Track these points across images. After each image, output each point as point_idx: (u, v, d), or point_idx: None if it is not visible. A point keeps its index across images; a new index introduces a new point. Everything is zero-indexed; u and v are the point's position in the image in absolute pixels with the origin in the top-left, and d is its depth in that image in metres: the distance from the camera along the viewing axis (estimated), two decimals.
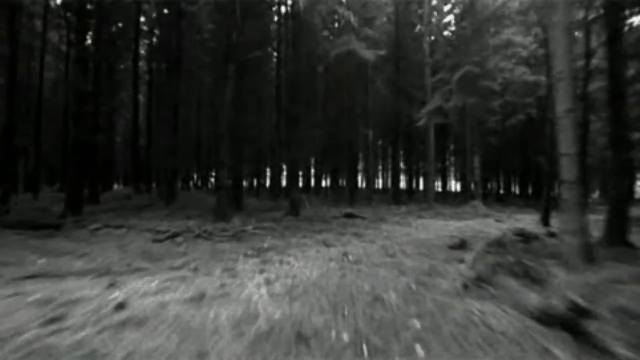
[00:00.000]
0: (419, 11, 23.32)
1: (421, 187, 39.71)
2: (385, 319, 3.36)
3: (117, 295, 3.88)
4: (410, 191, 32.91)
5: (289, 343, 2.86)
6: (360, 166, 31.15)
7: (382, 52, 15.91)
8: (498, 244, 4.77)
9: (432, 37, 26.12)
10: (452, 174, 48.39)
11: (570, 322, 3.01)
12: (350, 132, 18.72)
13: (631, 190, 11.22)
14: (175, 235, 7.59)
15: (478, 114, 20.14)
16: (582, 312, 3.06)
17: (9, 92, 11.98)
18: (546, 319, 3.15)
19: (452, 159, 41.26)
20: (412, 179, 36.55)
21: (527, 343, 2.93)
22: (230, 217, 10.23)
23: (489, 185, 35.63)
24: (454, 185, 48.67)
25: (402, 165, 33.92)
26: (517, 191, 36.43)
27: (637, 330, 3.14)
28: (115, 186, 33.98)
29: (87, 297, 3.82)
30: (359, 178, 34.85)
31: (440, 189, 40.43)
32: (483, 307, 3.58)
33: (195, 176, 37.45)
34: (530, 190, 31.90)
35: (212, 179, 31.03)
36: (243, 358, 2.62)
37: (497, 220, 12.91)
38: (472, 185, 20.44)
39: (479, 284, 3.96)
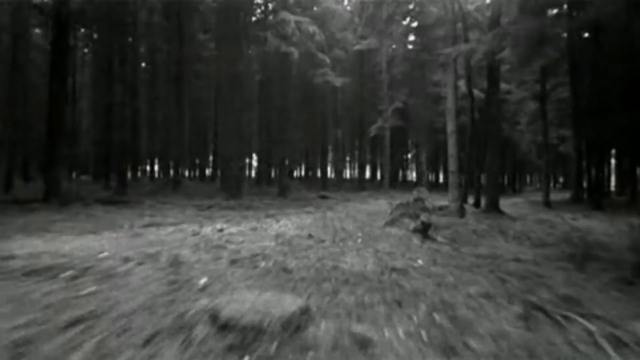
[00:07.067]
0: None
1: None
2: (347, 233, 7.37)
3: (211, 227, 7.63)
4: (374, 179, 37.40)
5: (304, 239, 6.77)
6: (330, 159, 35.24)
7: (349, 80, 19.89)
8: (405, 205, 8.84)
9: (394, 46, 30.45)
10: (413, 165, 53.73)
11: (422, 231, 7.13)
12: (322, 133, 22.72)
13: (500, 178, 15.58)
14: (210, 207, 11.28)
15: (426, 117, 24.70)
16: (428, 226, 7.18)
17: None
18: (414, 231, 7.26)
19: (414, 151, 46.36)
20: (375, 169, 40.98)
21: (404, 238, 7.00)
22: (238, 197, 13.95)
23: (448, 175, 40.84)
24: (414, 175, 54.11)
25: (368, 156, 38.33)
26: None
27: (453, 235, 7.34)
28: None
29: (198, 229, 7.54)
30: (329, 169, 38.95)
31: (401, 179, 45.46)
32: (391, 230, 7.68)
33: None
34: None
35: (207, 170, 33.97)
36: (290, 240, 6.49)
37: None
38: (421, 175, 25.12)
39: (392, 222, 8.06)
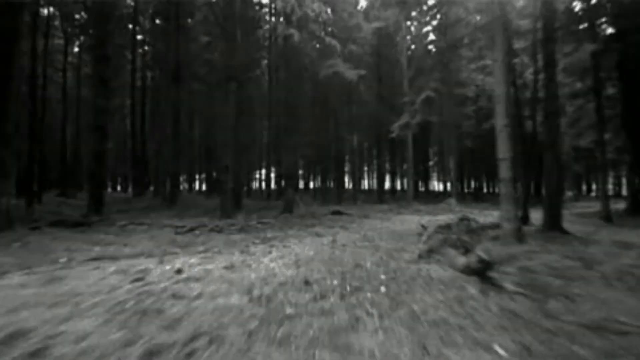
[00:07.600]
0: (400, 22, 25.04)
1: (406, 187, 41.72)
2: (363, 274, 4.97)
3: (171, 266, 5.38)
4: (394, 191, 34.73)
5: (296, 289, 4.42)
6: (346, 168, 32.88)
7: (364, 72, 17.62)
8: (446, 227, 6.42)
9: (413, 46, 28.03)
10: (435, 174, 50.81)
11: (480, 272, 4.67)
12: (335, 138, 20.43)
13: (562, 187, 13.05)
14: (192, 229, 9.08)
15: (454, 118, 22.07)
16: (488, 266, 4.72)
17: (32, 107, 13.21)
18: (466, 271, 4.80)
19: (436, 159, 43.54)
20: (395, 179, 38.39)
21: (453, 286, 4.56)
22: (234, 214, 11.74)
23: (471, 184, 37.81)
24: (437, 185, 51.11)
25: (387, 166, 35.77)
26: (496, 190, 38.77)
27: (524, 277, 4.83)
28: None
29: (150, 268, 5.31)
30: (346, 179, 36.56)
31: (423, 189, 42.57)
32: (429, 267, 5.24)
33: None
34: None
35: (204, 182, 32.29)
36: (272, 295, 4.17)
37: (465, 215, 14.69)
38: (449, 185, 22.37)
39: (428, 253, 5.61)
